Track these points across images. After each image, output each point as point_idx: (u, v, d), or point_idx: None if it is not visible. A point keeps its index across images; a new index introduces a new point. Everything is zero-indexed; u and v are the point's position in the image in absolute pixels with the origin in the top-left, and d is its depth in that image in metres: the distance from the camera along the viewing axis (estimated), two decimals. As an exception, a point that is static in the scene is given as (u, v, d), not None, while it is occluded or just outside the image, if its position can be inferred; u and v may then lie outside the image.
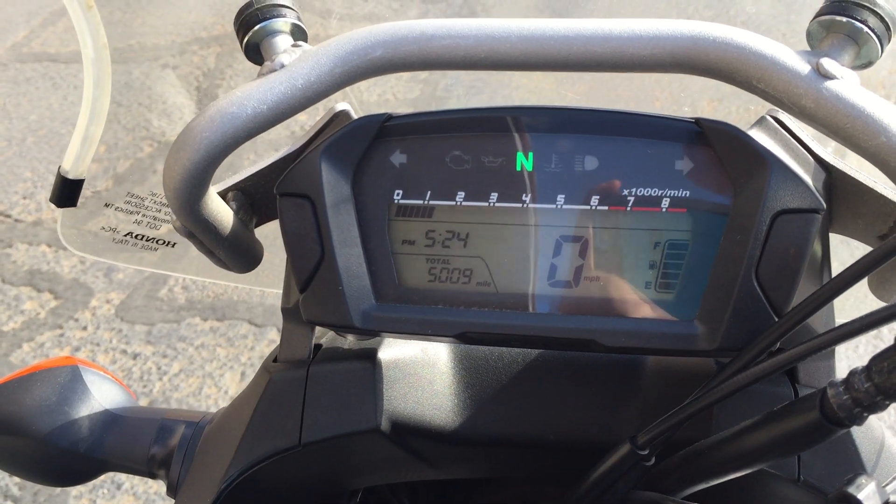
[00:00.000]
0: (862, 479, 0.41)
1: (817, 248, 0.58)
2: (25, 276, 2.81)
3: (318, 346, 0.67)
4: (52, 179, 0.73)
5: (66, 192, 0.63)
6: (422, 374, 0.65)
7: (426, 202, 0.57)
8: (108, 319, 2.65)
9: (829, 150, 0.59)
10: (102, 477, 2.19)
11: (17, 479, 2.24)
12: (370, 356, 0.63)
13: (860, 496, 0.40)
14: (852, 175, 0.57)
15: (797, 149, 0.57)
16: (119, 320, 2.64)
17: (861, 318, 0.43)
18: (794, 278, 0.51)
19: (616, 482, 0.57)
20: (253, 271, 0.73)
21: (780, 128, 0.58)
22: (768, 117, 0.58)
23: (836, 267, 0.55)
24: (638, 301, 0.55)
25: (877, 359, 0.42)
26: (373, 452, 0.65)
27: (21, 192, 3.12)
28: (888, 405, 0.44)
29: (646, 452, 0.54)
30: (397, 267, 0.58)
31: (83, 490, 2.18)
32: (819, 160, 0.58)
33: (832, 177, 0.58)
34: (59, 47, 3.96)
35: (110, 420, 0.76)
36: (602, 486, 0.57)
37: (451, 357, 0.66)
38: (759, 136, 0.55)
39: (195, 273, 0.73)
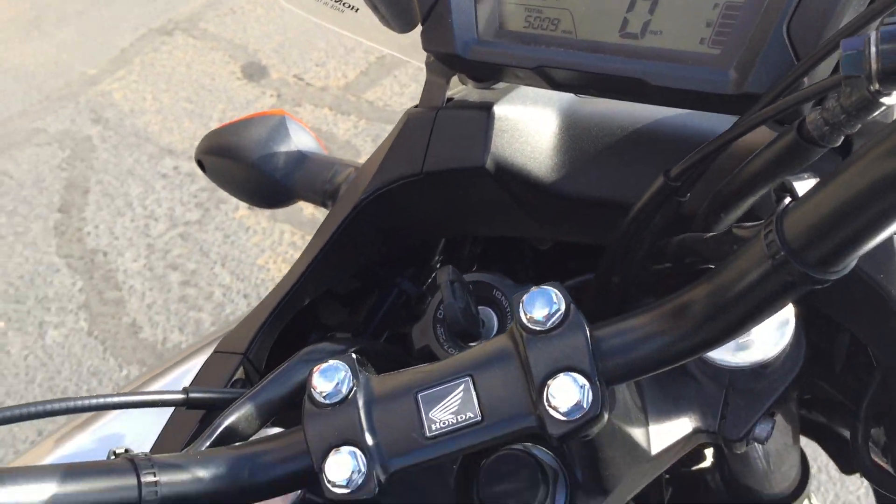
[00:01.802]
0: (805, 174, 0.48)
1: None
2: (308, 132, 3.20)
3: (450, 99, 0.81)
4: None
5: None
6: (529, 131, 0.76)
7: None
8: (368, 178, 2.97)
9: None
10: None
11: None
12: (487, 108, 0.75)
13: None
14: None
15: None
16: (377, 180, 2.95)
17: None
18: (819, 34, 0.57)
19: (653, 216, 0.66)
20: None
21: None
22: None
23: None
24: (690, 53, 0.62)
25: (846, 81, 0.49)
26: (481, 194, 0.78)
27: (314, 59, 3.52)
28: (854, 125, 0.50)
29: (678, 185, 0.63)
30: (500, 12, 0.69)
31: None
32: None
33: None
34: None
35: (301, 158, 0.96)
36: (640, 220, 0.66)
37: (558, 123, 0.77)
38: None
39: (367, 37, 0.89)
